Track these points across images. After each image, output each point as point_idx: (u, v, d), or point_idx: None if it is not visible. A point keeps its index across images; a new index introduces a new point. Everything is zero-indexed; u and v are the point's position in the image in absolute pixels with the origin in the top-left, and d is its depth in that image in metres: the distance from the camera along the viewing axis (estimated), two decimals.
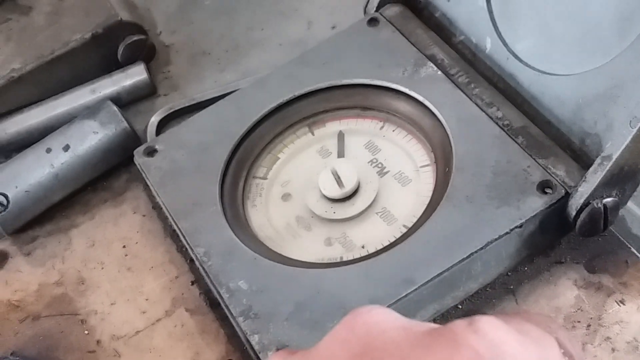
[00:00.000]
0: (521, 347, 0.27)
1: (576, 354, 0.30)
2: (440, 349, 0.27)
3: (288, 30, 0.64)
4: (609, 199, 0.43)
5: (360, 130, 0.52)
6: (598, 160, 0.42)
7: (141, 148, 0.53)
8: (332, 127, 0.53)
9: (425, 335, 0.28)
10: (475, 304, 0.45)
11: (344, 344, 0.28)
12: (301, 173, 0.51)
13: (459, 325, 0.27)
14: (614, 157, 0.41)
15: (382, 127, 0.52)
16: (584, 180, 0.43)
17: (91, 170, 0.56)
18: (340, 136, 0.52)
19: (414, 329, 0.28)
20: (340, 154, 0.51)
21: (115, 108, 0.56)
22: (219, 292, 0.45)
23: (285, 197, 0.51)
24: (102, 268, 0.52)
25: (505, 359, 0.26)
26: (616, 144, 0.42)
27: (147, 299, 0.50)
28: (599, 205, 0.43)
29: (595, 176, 0.42)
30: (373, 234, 0.47)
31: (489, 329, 0.27)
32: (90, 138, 0.55)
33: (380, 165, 0.50)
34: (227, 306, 0.45)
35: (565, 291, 0.45)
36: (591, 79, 0.45)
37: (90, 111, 0.56)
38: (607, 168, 0.42)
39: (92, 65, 0.60)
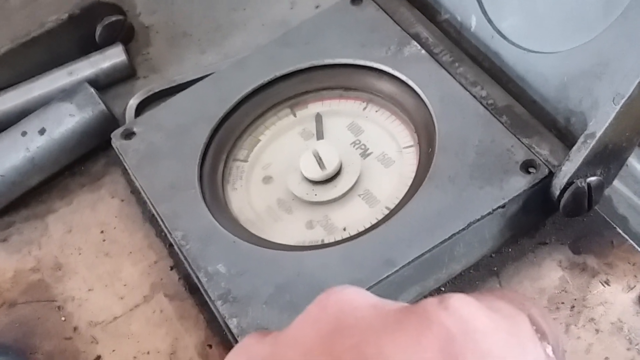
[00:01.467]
0: (491, 323, 0.27)
1: (549, 331, 0.30)
2: (412, 326, 0.27)
3: (271, 11, 0.63)
4: (593, 178, 0.42)
5: (343, 111, 0.51)
6: (581, 139, 0.42)
7: (118, 131, 0.52)
8: (314, 108, 0.52)
9: (397, 313, 0.27)
10: (459, 286, 0.44)
11: (316, 323, 0.28)
12: (283, 155, 0.51)
13: (430, 302, 0.27)
14: (598, 134, 0.41)
15: (365, 108, 0.51)
16: (567, 159, 0.42)
17: (68, 154, 0.54)
18: (318, 118, 0.51)
19: (385, 307, 0.28)
20: (319, 136, 0.51)
21: (92, 90, 0.55)
22: (197, 276, 0.44)
23: (267, 179, 0.50)
24: (80, 254, 0.51)
25: (475, 335, 0.26)
26: (600, 121, 0.41)
27: (125, 285, 0.49)
28: (583, 184, 0.42)
29: (578, 154, 0.41)
30: (355, 216, 0.46)
31: (460, 305, 0.27)
32: (66, 121, 0.54)
33: (363, 147, 0.49)
34: (205, 290, 0.44)
35: (549, 272, 0.44)
36: (576, 56, 0.44)
37: (66, 94, 0.55)
38: (591, 146, 0.41)
39: (69, 47, 0.59)
